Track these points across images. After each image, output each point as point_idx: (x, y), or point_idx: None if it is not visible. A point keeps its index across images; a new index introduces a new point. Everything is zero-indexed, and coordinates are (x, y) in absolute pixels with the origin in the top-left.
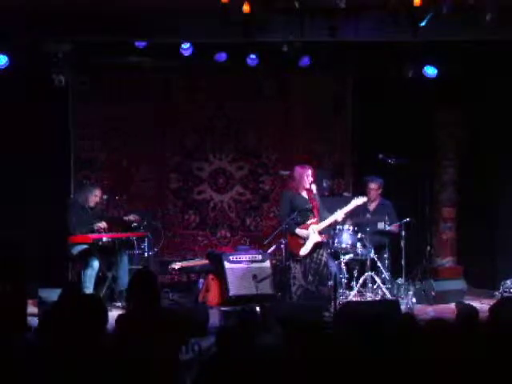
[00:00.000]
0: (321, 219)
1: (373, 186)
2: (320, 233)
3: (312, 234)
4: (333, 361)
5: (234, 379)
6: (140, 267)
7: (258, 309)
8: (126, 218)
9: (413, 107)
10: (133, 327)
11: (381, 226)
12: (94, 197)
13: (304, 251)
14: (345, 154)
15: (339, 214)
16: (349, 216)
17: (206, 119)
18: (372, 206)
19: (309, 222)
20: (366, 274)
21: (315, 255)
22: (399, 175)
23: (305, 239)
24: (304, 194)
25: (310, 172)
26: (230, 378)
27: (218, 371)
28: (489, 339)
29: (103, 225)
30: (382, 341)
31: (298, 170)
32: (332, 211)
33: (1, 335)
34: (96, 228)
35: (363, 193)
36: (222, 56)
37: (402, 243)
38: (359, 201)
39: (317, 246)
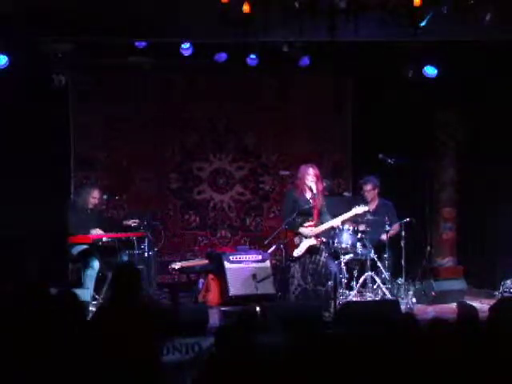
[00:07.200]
0: (321, 222)
1: (367, 187)
2: (316, 236)
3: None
4: (333, 361)
5: (233, 379)
6: (141, 266)
7: (258, 309)
8: (125, 222)
9: (413, 107)
10: (110, 318)
11: (383, 237)
12: (92, 198)
13: (297, 253)
14: (345, 154)
15: (337, 221)
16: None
17: (206, 119)
18: (371, 207)
19: (306, 225)
20: (366, 274)
21: (313, 256)
22: (399, 175)
23: (300, 240)
24: (307, 193)
25: (311, 170)
26: (230, 378)
27: (217, 371)
28: (489, 339)
29: (99, 233)
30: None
31: (300, 168)
32: (332, 211)
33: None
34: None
35: (361, 196)
36: (221, 56)
37: (402, 243)
38: (359, 209)
39: (311, 249)
